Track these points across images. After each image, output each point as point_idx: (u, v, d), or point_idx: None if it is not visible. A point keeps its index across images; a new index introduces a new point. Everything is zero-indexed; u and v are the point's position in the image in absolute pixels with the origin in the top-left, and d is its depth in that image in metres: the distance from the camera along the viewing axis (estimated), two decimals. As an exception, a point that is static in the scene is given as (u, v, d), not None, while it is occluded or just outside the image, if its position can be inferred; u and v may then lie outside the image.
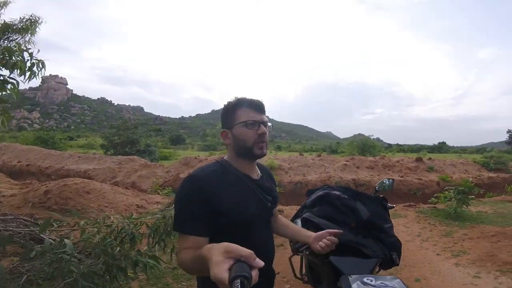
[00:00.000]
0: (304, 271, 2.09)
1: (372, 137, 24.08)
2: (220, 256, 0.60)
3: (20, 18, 3.10)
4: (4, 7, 3.21)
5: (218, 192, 0.91)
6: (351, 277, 1.30)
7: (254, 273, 0.57)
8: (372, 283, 1.24)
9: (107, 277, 2.05)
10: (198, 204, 0.89)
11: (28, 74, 2.54)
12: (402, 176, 9.20)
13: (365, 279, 1.26)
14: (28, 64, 2.51)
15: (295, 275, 2.06)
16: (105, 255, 2.06)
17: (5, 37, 3.45)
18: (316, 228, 1.71)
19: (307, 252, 1.82)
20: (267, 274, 1.07)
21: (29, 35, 3.25)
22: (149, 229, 2.18)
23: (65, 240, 1.81)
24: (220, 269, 0.57)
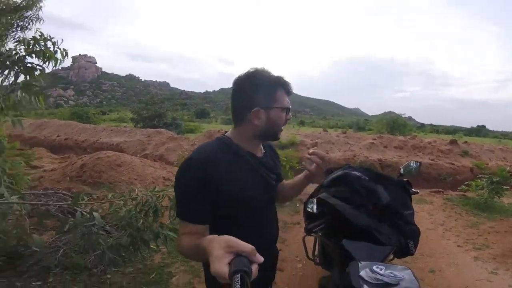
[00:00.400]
0: (316, 252, 2.09)
1: (403, 116, 22.75)
2: (221, 250, 0.59)
3: None
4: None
5: (219, 173, 0.87)
6: (361, 263, 1.28)
7: (254, 268, 0.57)
8: (381, 271, 1.21)
9: (132, 249, 2.20)
10: (199, 189, 0.85)
11: (52, 61, 2.68)
12: (432, 159, 8.69)
13: (374, 267, 1.24)
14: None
15: (307, 255, 2.06)
16: (129, 227, 2.20)
17: (17, 15, 3.52)
18: (331, 209, 1.68)
19: (320, 234, 1.81)
20: (271, 253, 1.08)
21: (37, 10, 3.32)
22: (171, 202, 2.25)
23: (94, 213, 1.95)
24: (220, 264, 0.57)
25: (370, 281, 1.19)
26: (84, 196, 2.22)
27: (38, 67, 2.73)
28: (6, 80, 2.79)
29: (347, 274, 1.27)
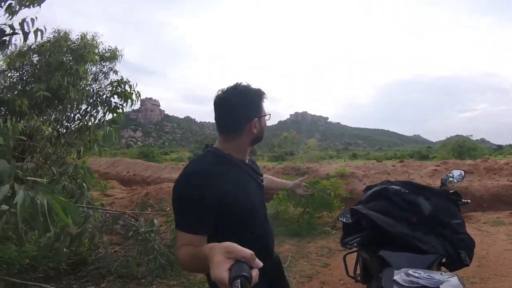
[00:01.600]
0: (358, 271, 1.98)
1: (473, 138, 20.22)
2: (221, 256, 0.60)
3: (105, 48, 3.94)
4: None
5: (220, 184, 0.89)
6: (398, 269, 1.19)
7: (254, 273, 0.57)
8: (418, 275, 1.12)
9: None
10: (198, 200, 0.86)
11: (129, 101, 3.30)
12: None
13: (410, 271, 1.15)
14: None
15: (347, 273, 1.98)
16: None
17: (99, 64, 4.36)
18: (366, 220, 1.64)
19: (357, 247, 1.74)
20: (272, 256, 1.12)
21: (116, 62, 4.10)
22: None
23: (154, 220, 2.27)
24: (220, 269, 0.58)
25: (404, 284, 1.11)
26: (148, 207, 2.59)
27: (120, 106, 3.39)
28: (92, 117, 3.48)
29: (380, 278, 1.21)
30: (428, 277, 1.11)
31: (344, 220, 1.95)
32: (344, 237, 1.88)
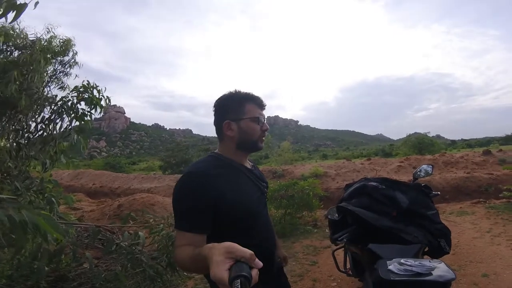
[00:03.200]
0: (348, 265, 2.07)
1: (429, 134, 21.88)
2: (221, 256, 0.60)
3: (58, 42, 3.67)
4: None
5: (219, 185, 0.90)
6: (390, 260, 1.26)
7: (254, 273, 0.58)
8: (410, 263, 1.18)
9: (168, 269, 2.32)
10: (199, 200, 0.87)
11: (98, 108, 3.08)
12: (468, 172, 8.20)
13: (402, 260, 1.22)
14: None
15: (338, 268, 2.05)
16: (166, 251, 2.34)
17: (53, 62, 4.05)
18: (352, 216, 1.71)
19: (346, 242, 1.83)
20: (274, 260, 1.11)
21: (70, 55, 3.81)
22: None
23: (139, 233, 2.14)
24: (220, 269, 0.58)
25: (399, 272, 1.17)
26: (130, 219, 2.43)
27: (88, 113, 3.15)
28: (57, 126, 3.19)
29: (375, 270, 1.26)
30: (420, 264, 1.18)
31: (331, 218, 2.00)
32: (333, 234, 1.93)
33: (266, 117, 1.06)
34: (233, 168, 1.00)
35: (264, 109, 1.06)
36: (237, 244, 0.62)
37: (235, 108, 1.01)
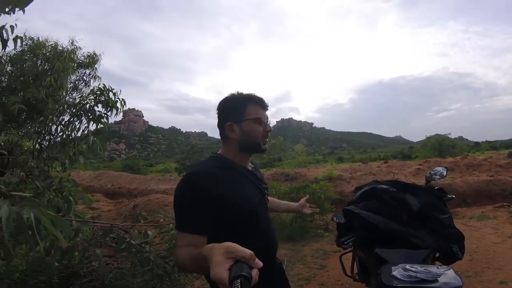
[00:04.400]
0: (356, 269, 2.03)
1: (451, 136, 21.05)
2: (221, 256, 0.60)
3: (84, 55, 3.86)
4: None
5: (220, 186, 0.89)
6: (395, 265, 1.23)
7: (254, 273, 0.58)
8: (415, 269, 1.15)
9: (176, 268, 2.36)
10: (199, 201, 0.87)
11: (114, 110, 3.20)
12: (492, 175, 7.82)
13: (407, 266, 1.18)
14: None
15: (345, 273, 2.02)
16: (174, 251, 2.40)
17: (76, 72, 4.23)
18: (359, 219, 1.67)
19: (351, 244, 1.78)
20: (275, 261, 1.11)
21: (94, 69, 4.00)
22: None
23: (148, 232, 2.20)
24: (220, 269, 0.58)
25: (402, 278, 1.14)
26: (141, 218, 2.51)
27: (104, 115, 3.28)
28: (75, 129, 3.35)
29: (379, 275, 1.23)
30: (426, 270, 1.14)
31: (337, 221, 1.97)
32: (339, 237, 1.90)
33: (268, 118, 1.05)
34: (234, 170, 0.99)
35: (266, 109, 1.05)
36: (237, 244, 0.62)
37: (237, 109, 1.00)
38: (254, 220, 0.99)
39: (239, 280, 0.54)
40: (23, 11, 1.58)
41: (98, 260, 2.27)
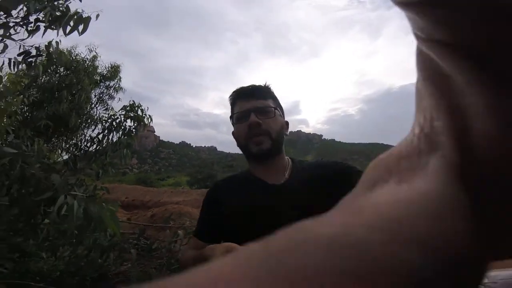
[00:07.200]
0: None
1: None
2: (221, 256, 0.68)
3: (106, 66, 4.26)
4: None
5: (226, 199, 0.83)
6: None
7: None
8: None
9: None
10: (207, 211, 0.86)
11: (142, 125, 3.56)
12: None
13: None
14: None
15: None
16: None
17: (101, 83, 4.61)
18: None
19: None
20: None
21: (117, 79, 4.38)
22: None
23: (179, 231, 2.45)
24: None
25: None
26: (170, 220, 2.77)
27: (133, 129, 3.64)
28: (109, 141, 3.71)
29: None
30: None
31: None
32: None
33: (261, 106, 0.79)
34: (248, 184, 0.83)
35: (252, 97, 0.80)
36: (237, 245, 0.63)
37: (231, 110, 0.85)
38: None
39: None
40: (79, 34, 1.86)
41: (132, 259, 2.51)
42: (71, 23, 1.72)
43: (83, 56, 4.44)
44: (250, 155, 0.81)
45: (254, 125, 0.76)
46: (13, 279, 1.69)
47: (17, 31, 1.79)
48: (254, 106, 0.78)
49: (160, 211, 6.43)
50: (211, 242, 0.75)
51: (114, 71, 4.98)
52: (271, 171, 0.81)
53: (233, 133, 0.84)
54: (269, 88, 0.83)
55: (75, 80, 4.08)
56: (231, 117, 0.84)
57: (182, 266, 0.86)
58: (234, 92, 0.84)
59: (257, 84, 0.83)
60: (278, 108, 0.81)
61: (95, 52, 4.40)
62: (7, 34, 1.78)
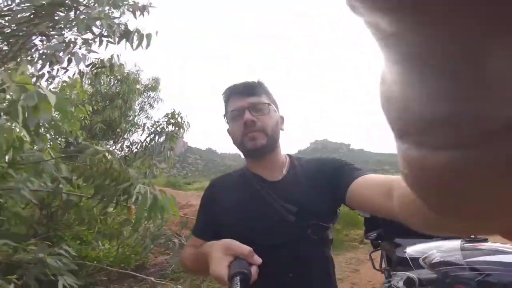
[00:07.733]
0: (384, 264, 2.12)
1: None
2: (220, 253, 0.60)
3: (148, 78, 4.83)
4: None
5: (219, 197, 0.82)
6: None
7: (254, 270, 0.58)
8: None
9: None
10: (203, 209, 0.86)
11: (182, 130, 4.08)
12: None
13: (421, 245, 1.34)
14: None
15: (374, 267, 2.16)
16: None
17: (143, 94, 5.15)
18: None
19: (375, 235, 1.99)
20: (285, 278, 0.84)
21: (158, 91, 4.93)
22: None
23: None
24: (220, 266, 0.58)
25: (413, 254, 1.36)
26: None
27: (175, 134, 4.17)
28: (156, 144, 4.26)
29: (394, 253, 1.47)
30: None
31: (362, 215, 2.33)
32: (366, 231, 2.19)
33: (256, 102, 0.77)
34: (243, 181, 0.82)
35: (248, 94, 0.78)
36: (235, 241, 0.63)
37: (224, 108, 0.84)
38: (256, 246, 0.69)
39: (238, 277, 0.55)
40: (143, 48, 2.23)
41: (173, 249, 2.92)
42: (135, 39, 2.00)
43: (130, 68, 5.09)
44: (246, 152, 0.81)
45: (249, 123, 0.75)
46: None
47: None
48: (248, 103, 0.77)
49: (191, 211, 6.97)
50: (209, 239, 0.74)
51: (156, 83, 5.57)
52: (268, 168, 0.81)
53: (228, 131, 0.84)
54: (262, 84, 0.82)
55: (127, 90, 4.71)
56: (224, 115, 0.84)
57: (182, 264, 0.88)
58: (227, 89, 0.84)
59: (250, 80, 0.83)
60: (272, 104, 0.81)
61: (139, 67, 5.04)
62: (88, 49, 2.18)
